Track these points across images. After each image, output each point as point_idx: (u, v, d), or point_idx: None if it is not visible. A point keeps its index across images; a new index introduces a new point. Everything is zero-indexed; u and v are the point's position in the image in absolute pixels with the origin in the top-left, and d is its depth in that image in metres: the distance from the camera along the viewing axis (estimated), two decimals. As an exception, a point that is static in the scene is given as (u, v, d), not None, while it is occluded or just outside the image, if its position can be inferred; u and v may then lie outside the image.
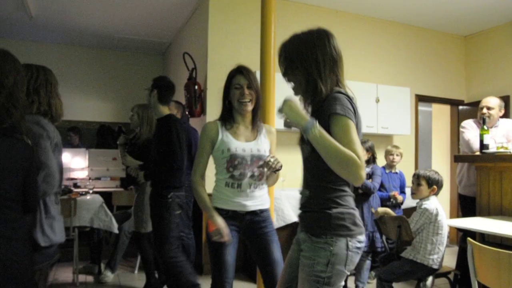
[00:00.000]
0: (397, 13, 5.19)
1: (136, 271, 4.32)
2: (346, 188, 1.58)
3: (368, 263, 3.73)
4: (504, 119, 3.73)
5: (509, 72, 5.34)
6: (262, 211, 2.20)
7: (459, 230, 3.79)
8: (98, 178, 5.92)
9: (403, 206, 4.08)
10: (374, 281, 3.75)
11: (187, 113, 4.58)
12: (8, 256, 1.47)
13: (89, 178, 5.77)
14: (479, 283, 2.01)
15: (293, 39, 1.65)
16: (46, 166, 1.83)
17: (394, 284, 2.89)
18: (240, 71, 2.28)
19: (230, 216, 2.14)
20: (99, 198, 4.01)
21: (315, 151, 1.48)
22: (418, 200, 3.02)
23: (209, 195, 2.17)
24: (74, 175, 5.84)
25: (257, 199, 2.19)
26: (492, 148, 3.10)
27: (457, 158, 3.51)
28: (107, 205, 4.02)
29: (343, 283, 1.56)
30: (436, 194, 2.99)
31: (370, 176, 3.70)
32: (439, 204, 2.92)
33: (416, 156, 5.58)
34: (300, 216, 1.67)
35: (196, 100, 4.44)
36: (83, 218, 3.77)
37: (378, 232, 3.47)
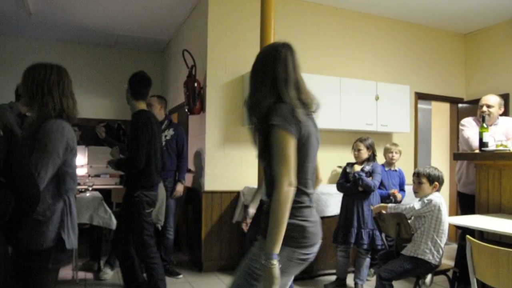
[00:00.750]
0: (397, 11, 5.18)
1: (135, 268, 4.32)
2: (304, 199, 1.62)
3: (367, 260, 3.73)
4: (504, 117, 3.73)
5: (509, 70, 5.34)
6: None
7: (458, 227, 3.80)
8: (97, 175, 5.92)
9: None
10: (373, 279, 3.76)
11: (186, 110, 4.59)
12: None
13: (89, 175, 5.76)
14: (478, 280, 2.01)
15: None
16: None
17: (393, 282, 2.90)
18: None
19: None
20: (98, 195, 4.01)
21: (270, 163, 1.56)
22: (419, 199, 3.02)
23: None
24: (73, 172, 5.82)
25: None
26: (492, 146, 3.10)
27: (456, 156, 3.51)
28: (107, 202, 4.02)
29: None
30: (438, 190, 3.00)
31: (370, 174, 3.70)
32: (443, 200, 2.92)
33: (416, 154, 5.58)
34: (261, 218, 1.72)
35: (195, 98, 4.44)
36: (83, 215, 3.77)
37: (377, 230, 3.47)
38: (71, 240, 1.91)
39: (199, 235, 4.38)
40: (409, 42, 5.56)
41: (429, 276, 2.91)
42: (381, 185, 3.95)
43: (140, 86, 3.13)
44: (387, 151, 4.31)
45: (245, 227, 3.01)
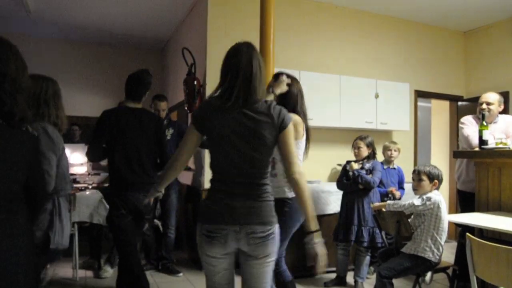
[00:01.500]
0: (396, 9, 5.17)
1: (135, 267, 4.32)
2: (215, 184, 1.80)
3: (367, 258, 3.74)
4: (504, 115, 3.72)
5: (509, 67, 5.34)
6: None
7: (458, 225, 3.80)
8: (97, 174, 5.91)
9: (401, 202, 4.08)
10: (373, 276, 3.77)
11: (186, 108, 4.58)
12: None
13: (88, 174, 5.75)
14: (477, 278, 2.02)
15: None
16: (49, 175, 1.86)
17: (393, 280, 2.91)
18: None
19: None
20: (98, 194, 4.01)
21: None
22: (418, 196, 3.02)
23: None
24: (73, 170, 5.82)
25: None
26: (491, 144, 3.10)
27: (456, 154, 3.50)
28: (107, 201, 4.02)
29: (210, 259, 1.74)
30: (438, 188, 3.01)
31: (370, 171, 3.70)
32: (442, 198, 2.93)
33: (415, 152, 5.58)
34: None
35: (195, 96, 4.44)
36: (83, 214, 3.77)
37: (377, 227, 3.47)
38: (57, 240, 1.91)
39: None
40: (409, 40, 5.55)
41: (429, 274, 2.92)
42: (380, 183, 3.95)
43: (132, 86, 3.02)
44: (385, 149, 4.31)
45: None
